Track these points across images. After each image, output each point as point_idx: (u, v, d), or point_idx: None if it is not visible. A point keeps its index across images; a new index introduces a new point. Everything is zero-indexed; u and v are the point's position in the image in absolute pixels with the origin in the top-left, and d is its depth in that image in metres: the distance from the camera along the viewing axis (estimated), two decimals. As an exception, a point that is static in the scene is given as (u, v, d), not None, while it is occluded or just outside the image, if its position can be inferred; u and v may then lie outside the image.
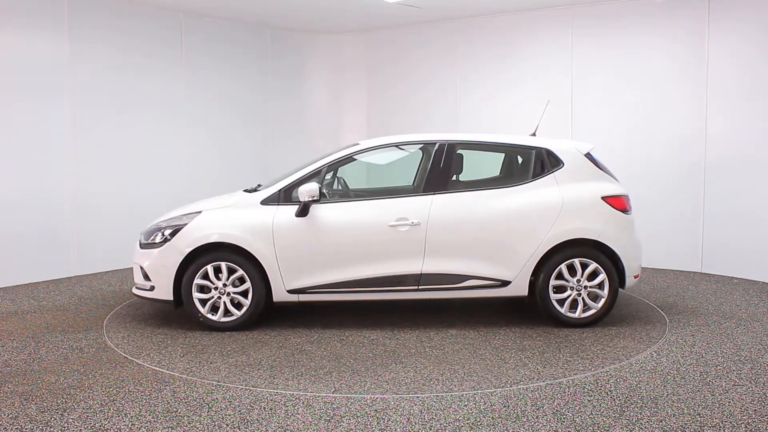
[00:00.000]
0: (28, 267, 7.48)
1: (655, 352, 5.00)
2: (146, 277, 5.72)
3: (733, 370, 4.57)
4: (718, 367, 4.63)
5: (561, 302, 5.60)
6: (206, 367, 4.77)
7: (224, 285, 5.58)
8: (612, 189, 5.74)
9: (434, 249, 5.53)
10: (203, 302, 5.60)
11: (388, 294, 5.61)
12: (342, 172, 6.32)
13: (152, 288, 5.69)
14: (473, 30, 9.29)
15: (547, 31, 8.71)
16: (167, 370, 4.65)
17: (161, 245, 5.65)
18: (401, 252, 5.53)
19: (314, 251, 5.55)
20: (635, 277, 5.74)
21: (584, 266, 5.58)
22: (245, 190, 6.02)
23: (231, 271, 5.57)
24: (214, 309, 5.62)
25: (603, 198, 5.65)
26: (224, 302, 5.59)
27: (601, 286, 5.58)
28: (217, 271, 5.58)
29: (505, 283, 5.57)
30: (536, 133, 6.15)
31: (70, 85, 7.73)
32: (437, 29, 9.58)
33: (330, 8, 8.84)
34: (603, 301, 5.58)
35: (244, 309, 5.59)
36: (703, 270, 7.89)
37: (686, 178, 7.91)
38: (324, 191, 5.91)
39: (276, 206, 5.62)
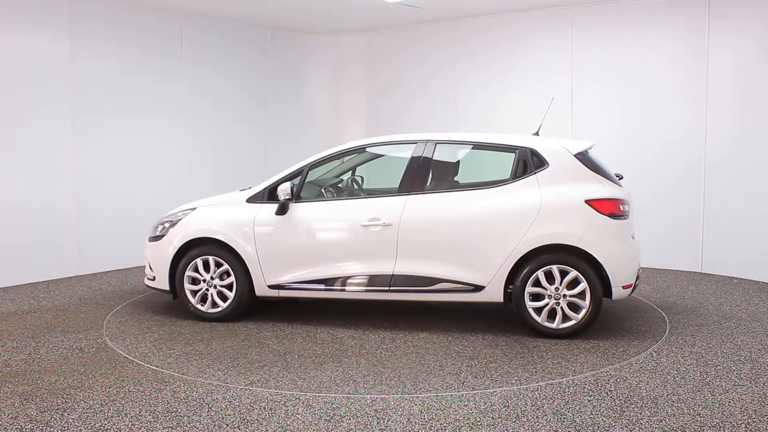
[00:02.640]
0: (28, 267, 7.48)
1: (655, 352, 5.00)
2: (151, 268, 6.14)
3: (733, 370, 4.57)
4: (718, 367, 4.63)
5: (539, 311, 5.28)
6: (163, 352, 5.07)
7: (212, 278, 5.86)
8: (599, 191, 5.30)
9: (406, 250, 5.45)
10: (194, 293, 5.91)
11: (361, 294, 5.61)
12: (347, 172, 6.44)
13: (154, 278, 6.09)
14: (473, 30, 9.29)
15: (547, 31, 8.71)
16: (167, 370, 4.65)
17: (161, 238, 6.03)
18: (374, 252, 5.52)
19: (291, 248, 5.70)
20: (625, 287, 5.28)
21: (564, 273, 5.22)
22: (242, 190, 6.19)
23: (218, 265, 5.84)
24: (204, 300, 5.91)
25: (587, 201, 5.25)
26: (211, 294, 5.87)
27: (582, 295, 5.21)
28: (207, 264, 5.86)
29: (478, 288, 5.35)
30: (539, 132, 5.97)
31: (70, 84, 7.73)
32: (437, 29, 9.58)
33: (330, 8, 8.84)
34: (584, 312, 5.21)
35: (229, 301, 5.84)
36: (703, 270, 7.89)
37: (686, 178, 7.91)
38: (323, 190, 6.05)
39: (260, 204, 5.83)
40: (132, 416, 3.85)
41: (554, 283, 5.24)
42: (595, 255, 5.18)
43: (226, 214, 5.88)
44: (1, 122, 7.21)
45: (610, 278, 5.21)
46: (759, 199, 7.34)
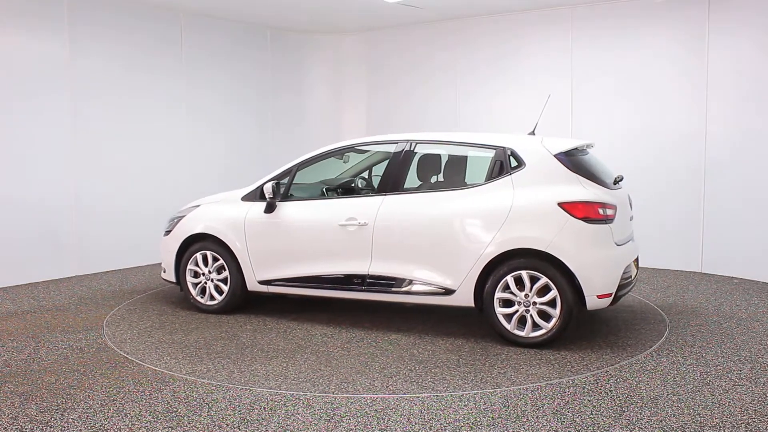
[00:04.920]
0: (28, 267, 7.48)
1: (655, 352, 5.00)
2: (163, 261, 6.51)
3: (733, 370, 4.57)
4: (718, 367, 4.63)
5: (509, 317, 5.06)
6: (138, 339, 5.44)
7: (209, 272, 6.14)
8: (574, 194, 4.98)
9: (380, 250, 5.43)
10: (195, 286, 6.22)
11: (338, 292, 5.66)
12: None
13: (165, 271, 6.44)
14: (473, 30, 9.29)
15: (547, 31, 8.71)
16: (167, 370, 4.65)
17: (169, 233, 6.40)
18: (350, 252, 5.54)
19: (276, 246, 5.85)
20: (601, 297, 4.93)
21: (534, 280, 4.97)
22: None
23: (215, 260, 6.11)
24: (204, 293, 6.21)
25: (560, 204, 4.95)
26: (209, 287, 6.15)
27: (553, 303, 4.95)
28: (206, 258, 6.15)
29: (449, 292, 5.22)
30: (535, 132, 5.86)
31: (70, 84, 7.73)
32: (437, 29, 9.58)
33: (330, 8, 8.84)
34: (553, 321, 4.93)
35: (223, 295, 6.09)
36: (703, 270, 7.89)
37: (686, 178, 7.90)
38: (325, 190, 6.15)
39: (252, 203, 6.02)
40: (132, 416, 3.85)
41: (524, 290, 5.01)
42: (565, 261, 4.89)
43: (223, 212, 6.12)
44: (1, 122, 7.20)
45: (583, 287, 4.90)
46: (759, 200, 7.33)
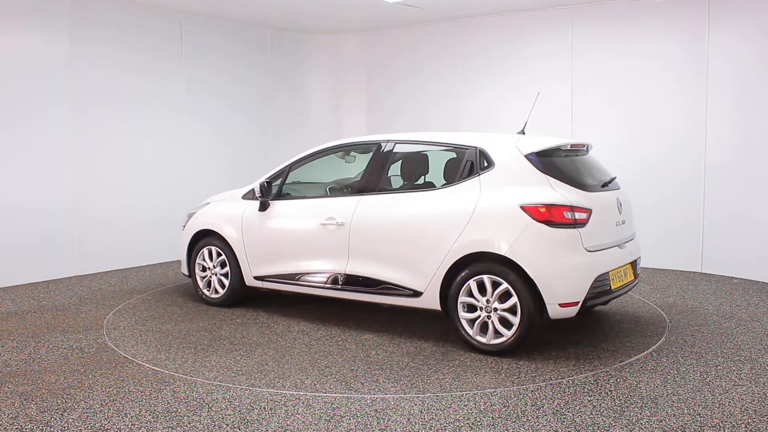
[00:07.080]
0: (28, 267, 7.48)
1: (655, 352, 5.00)
2: (180, 256, 6.78)
3: (733, 370, 4.57)
4: (718, 367, 4.63)
5: (472, 323, 4.91)
6: (130, 328, 5.73)
7: (213, 266, 6.40)
8: (538, 196, 4.74)
9: (356, 250, 5.45)
10: (202, 279, 6.51)
11: (318, 290, 5.73)
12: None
13: (182, 264, 6.73)
14: (473, 30, 9.29)
15: (547, 31, 8.71)
16: (167, 370, 4.65)
17: (184, 228, 6.71)
18: (329, 251, 5.61)
19: (267, 243, 6.02)
20: (564, 305, 4.66)
21: (496, 285, 4.79)
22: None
23: (219, 255, 6.36)
24: (209, 286, 6.46)
25: (522, 207, 4.74)
26: (213, 281, 6.41)
27: (514, 310, 4.74)
28: (211, 253, 6.40)
29: (416, 294, 5.14)
30: (525, 131, 5.71)
31: (69, 84, 7.73)
32: (437, 29, 9.58)
33: (330, 8, 8.84)
34: (514, 328, 4.73)
35: (225, 289, 6.33)
36: (703, 270, 7.89)
37: (686, 179, 7.90)
38: (328, 190, 6.16)
39: (249, 201, 6.21)
40: (132, 416, 3.85)
41: (486, 295, 4.84)
42: (524, 267, 4.67)
43: (225, 209, 6.37)
44: (2, 123, 7.20)
45: (542, 294, 4.66)
46: (759, 200, 7.33)
